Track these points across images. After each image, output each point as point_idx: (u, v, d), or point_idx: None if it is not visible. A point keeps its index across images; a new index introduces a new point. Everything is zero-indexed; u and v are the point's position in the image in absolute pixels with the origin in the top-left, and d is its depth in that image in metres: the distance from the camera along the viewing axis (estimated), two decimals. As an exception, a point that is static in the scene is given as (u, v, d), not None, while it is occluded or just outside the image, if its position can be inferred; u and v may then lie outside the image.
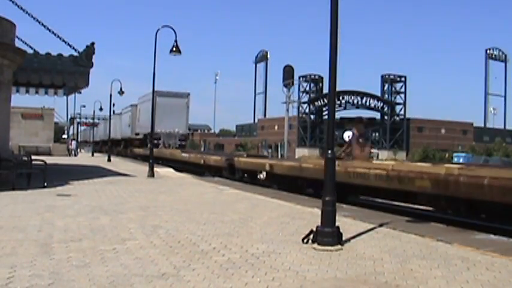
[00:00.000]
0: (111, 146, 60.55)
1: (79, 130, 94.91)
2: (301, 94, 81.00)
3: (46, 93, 25.06)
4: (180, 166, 31.77)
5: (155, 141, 35.23)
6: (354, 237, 7.70)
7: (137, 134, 48.42)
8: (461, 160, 48.14)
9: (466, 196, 10.62)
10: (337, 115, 71.99)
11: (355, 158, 18.25)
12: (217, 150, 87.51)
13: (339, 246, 6.87)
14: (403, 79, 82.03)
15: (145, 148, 39.68)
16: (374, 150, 78.55)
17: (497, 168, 14.68)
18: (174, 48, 20.17)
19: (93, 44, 19.74)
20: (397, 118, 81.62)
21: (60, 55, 19.44)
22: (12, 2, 19.72)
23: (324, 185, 7.25)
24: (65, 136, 63.07)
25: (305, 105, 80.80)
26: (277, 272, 5.53)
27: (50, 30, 20.45)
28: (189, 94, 44.00)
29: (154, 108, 24.22)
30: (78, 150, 55.62)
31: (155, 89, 23.22)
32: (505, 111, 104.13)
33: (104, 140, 69.14)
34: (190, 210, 10.60)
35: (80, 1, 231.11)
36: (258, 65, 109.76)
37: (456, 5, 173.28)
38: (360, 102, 79.31)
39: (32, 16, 20.20)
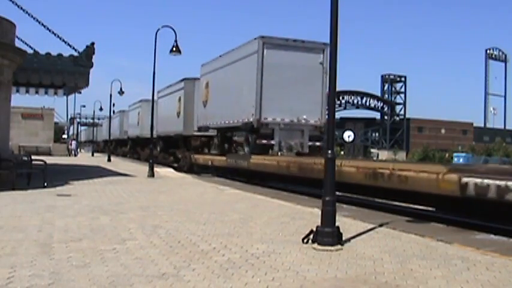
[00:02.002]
0: (133, 147, 49.15)
1: (79, 130, 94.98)
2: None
3: (46, 93, 25.13)
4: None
5: (264, 142, 20.30)
6: (354, 237, 7.69)
7: (202, 129, 27.51)
8: (461, 160, 48.12)
9: None
10: (337, 115, 72.12)
11: None
12: None
13: (339, 246, 6.87)
14: (403, 79, 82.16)
15: (232, 155, 23.22)
16: (374, 150, 78.72)
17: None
18: (174, 48, 20.19)
19: (93, 44, 19.78)
20: (397, 118, 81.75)
21: (60, 55, 19.47)
22: (12, 2, 19.76)
23: (323, 185, 7.25)
24: (65, 136, 63.03)
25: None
26: (277, 272, 5.53)
27: (50, 30, 20.52)
28: (326, 45, 19.37)
29: (154, 110, 23.79)
30: (78, 150, 55.61)
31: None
32: (505, 111, 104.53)
33: (119, 139, 55.92)
34: (190, 210, 10.60)
35: (80, 1, 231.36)
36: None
37: (456, 4, 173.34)
38: (360, 102, 79.48)
39: (32, 16, 20.27)
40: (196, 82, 29.10)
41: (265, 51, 20.19)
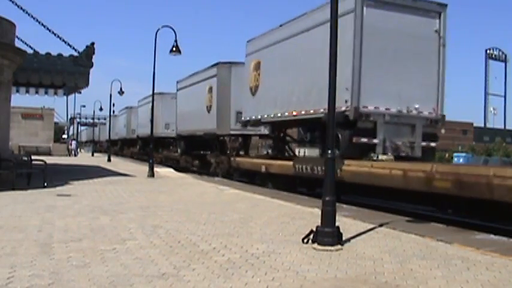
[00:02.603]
0: (143, 147, 42.33)
1: (80, 130, 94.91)
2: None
3: (46, 93, 25.15)
4: None
5: (363, 140, 13.93)
6: (354, 237, 7.69)
7: (250, 124, 21.72)
8: (461, 160, 48.15)
9: None
10: (337, 115, 71.83)
11: None
12: None
13: (339, 246, 6.87)
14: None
15: (303, 159, 18.35)
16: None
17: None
18: (174, 48, 20.18)
19: (93, 44, 19.79)
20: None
21: (60, 55, 19.48)
22: (12, 2, 19.77)
23: (323, 185, 7.24)
24: (65, 136, 63.03)
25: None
26: (277, 272, 5.52)
27: (50, 30, 20.53)
28: (443, 6, 15.79)
29: (154, 110, 23.69)
30: (78, 150, 55.59)
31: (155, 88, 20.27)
32: (505, 111, 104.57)
33: (126, 138, 50.22)
34: (190, 210, 10.59)
35: (80, 1, 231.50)
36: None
37: (456, 4, 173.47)
38: (360, 102, 79.23)
39: (32, 16, 20.29)
40: (233, 67, 23.44)
41: (365, 9, 14.02)
